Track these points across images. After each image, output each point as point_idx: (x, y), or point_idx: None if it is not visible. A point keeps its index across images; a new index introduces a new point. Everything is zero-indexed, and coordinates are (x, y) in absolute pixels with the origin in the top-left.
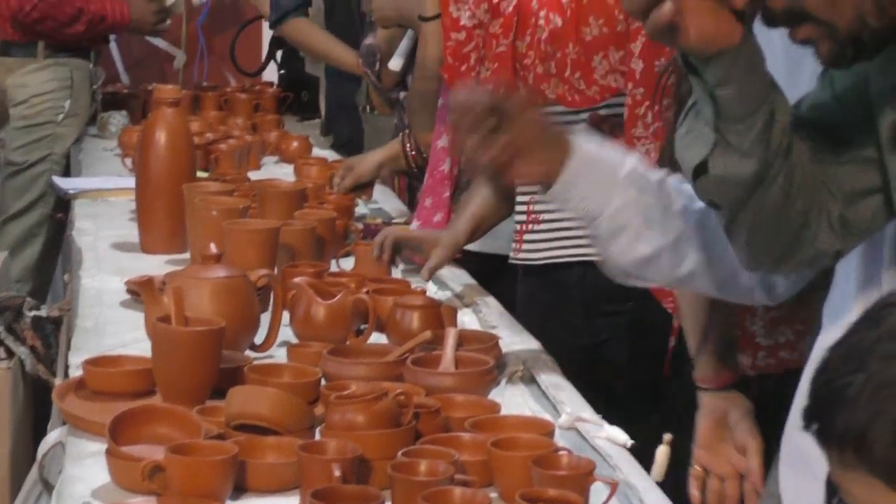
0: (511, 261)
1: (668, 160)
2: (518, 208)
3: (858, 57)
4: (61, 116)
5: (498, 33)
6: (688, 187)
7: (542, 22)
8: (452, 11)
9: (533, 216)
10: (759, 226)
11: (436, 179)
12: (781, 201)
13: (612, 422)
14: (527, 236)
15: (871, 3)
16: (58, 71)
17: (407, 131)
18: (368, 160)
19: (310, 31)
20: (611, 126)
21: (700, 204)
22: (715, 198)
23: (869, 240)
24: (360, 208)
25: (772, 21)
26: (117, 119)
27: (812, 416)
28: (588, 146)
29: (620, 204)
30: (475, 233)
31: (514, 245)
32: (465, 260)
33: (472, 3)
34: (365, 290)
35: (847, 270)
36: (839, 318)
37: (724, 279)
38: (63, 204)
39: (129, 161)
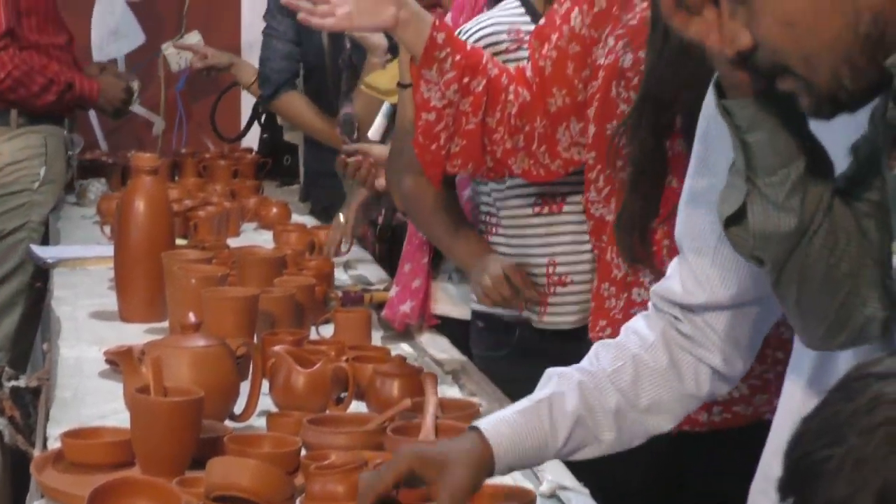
0: (536, 325)
1: (626, 224)
2: (534, 271)
3: (838, 111)
4: (37, 184)
5: (468, 111)
6: (609, 358)
7: (511, 97)
8: (423, 92)
9: (557, 279)
10: (806, 284)
11: (414, 246)
12: (825, 258)
13: (593, 490)
14: (552, 299)
15: (847, 69)
16: (31, 138)
17: None
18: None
19: (301, 106)
20: None
21: (625, 362)
22: (756, 252)
23: None
24: (340, 274)
25: (758, 71)
26: (96, 187)
27: (788, 489)
28: (499, 424)
29: (559, 444)
30: None
31: (538, 309)
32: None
33: (442, 84)
34: (344, 357)
35: None
36: (801, 377)
37: (681, 411)
38: (42, 272)
39: (107, 228)
